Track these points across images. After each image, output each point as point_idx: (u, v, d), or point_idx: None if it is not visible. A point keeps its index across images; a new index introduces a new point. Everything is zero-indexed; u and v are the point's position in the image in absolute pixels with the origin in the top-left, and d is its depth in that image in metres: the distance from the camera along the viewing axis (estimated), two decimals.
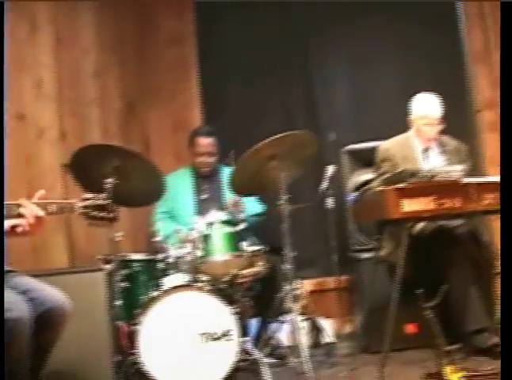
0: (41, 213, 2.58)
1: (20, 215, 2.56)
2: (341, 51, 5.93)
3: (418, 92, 4.59)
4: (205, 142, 5.02)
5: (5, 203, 2.55)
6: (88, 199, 2.82)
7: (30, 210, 2.56)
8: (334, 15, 5.83)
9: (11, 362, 2.20)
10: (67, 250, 4.48)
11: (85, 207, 2.79)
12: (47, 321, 2.45)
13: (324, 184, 4.79)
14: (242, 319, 3.96)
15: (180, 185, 4.95)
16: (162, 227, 4.67)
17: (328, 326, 4.95)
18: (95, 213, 2.81)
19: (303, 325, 4.35)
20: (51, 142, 4.51)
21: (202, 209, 4.69)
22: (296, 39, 5.95)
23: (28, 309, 2.27)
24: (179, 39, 6.03)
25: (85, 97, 5.04)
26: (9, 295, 2.28)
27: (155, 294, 3.83)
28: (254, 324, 4.58)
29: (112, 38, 5.51)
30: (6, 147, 4.04)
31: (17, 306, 2.23)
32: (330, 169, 4.82)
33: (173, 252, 4.10)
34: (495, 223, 4.94)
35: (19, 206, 2.56)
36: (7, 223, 2.59)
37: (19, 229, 2.59)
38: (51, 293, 2.54)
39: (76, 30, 5.00)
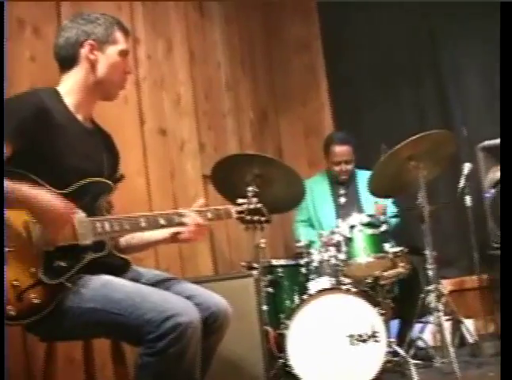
0: (201, 221, 2.68)
1: (181, 224, 2.67)
2: (473, 46, 5.82)
3: None
4: (341, 150, 5.01)
5: (166, 212, 2.67)
6: (242, 204, 2.91)
7: (192, 218, 2.67)
8: (466, 9, 5.72)
9: (185, 364, 2.31)
10: (212, 258, 4.62)
11: (240, 211, 2.89)
12: (212, 324, 2.53)
13: (461, 182, 4.75)
14: (386, 320, 3.97)
15: (318, 191, 5.02)
16: (303, 233, 4.74)
17: (470, 326, 4.88)
18: (249, 217, 2.91)
19: (447, 325, 4.31)
20: (191, 155, 4.66)
21: (342, 213, 4.75)
22: (426, 36, 5.90)
23: (197, 313, 2.37)
24: (306, 46, 6.12)
25: (220, 110, 5.19)
26: (177, 300, 2.37)
27: (302, 298, 3.90)
28: (395, 325, 4.57)
29: (242, 50, 5.66)
30: (150, 162, 4.22)
31: (187, 311, 2.32)
32: (467, 167, 4.76)
33: (317, 256, 4.14)
34: None
35: (180, 215, 2.67)
36: (169, 231, 2.72)
37: (181, 237, 2.70)
38: (215, 298, 2.62)
39: (208, 46, 5.16)
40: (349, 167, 5.04)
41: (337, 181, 5.10)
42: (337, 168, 5.04)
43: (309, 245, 4.29)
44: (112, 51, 2.65)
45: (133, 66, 4.09)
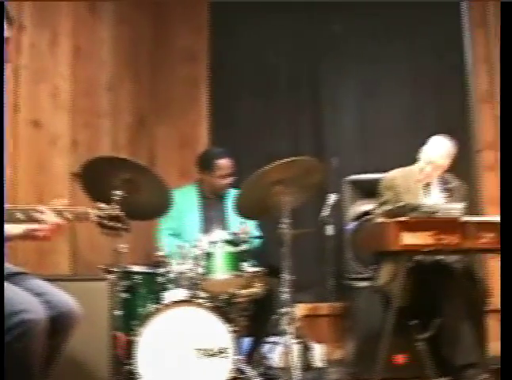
0: (60, 220, 2.64)
1: (37, 220, 2.61)
2: (351, 79, 6.00)
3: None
4: (227, 163, 4.96)
5: (24, 207, 2.62)
6: (102, 209, 2.87)
7: (51, 217, 2.62)
8: (347, 41, 5.94)
9: (26, 362, 2.27)
10: (70, 257, 4.55)
11: (99, 216, 2.86)
12: (59, 324, 2.50)
13: (325, 211, 4.88)
14: (237, 338, 4.01)
15: (186, 202, 4.96)
16: (166, 242, 4.73)
17: (319, 351, 5.00)
18: (108, 222, 2.87)
19: (296, 348, 4.39)
20: (62, 151, 4.59)
21: (206, 227, 4.76)
22: (307, 63, 6.05)
23: (44, 311, 2.34)
24: (193, 57, 6.11)
25: (98, 109, 5.13)
26: (25, 297, 2.34)
27: (156, 307, 3.90)
28: (246, 343, 4.62)
29: (128, 53, 5.63)
30: (20, 153, 4.13)
31: (34, 308, 2.29)
32: (332, 197, 4.90)
33: (175, 267, 4.15)
34: (491, 262, 5.05)
35: (37, 211, 2.61)
36: (26, 227, 2.65)
37: (39, 234, 2.64)
38: (64, 297, 2.60)
39: (94, 43, 5.11)
40: (231, 180, 5.02)
41: (206, 195, 5.09)
42: (223, 181, 4.97)
43: (169, 255, 4.29)
44: None
45: (14, 54, 4.01)
